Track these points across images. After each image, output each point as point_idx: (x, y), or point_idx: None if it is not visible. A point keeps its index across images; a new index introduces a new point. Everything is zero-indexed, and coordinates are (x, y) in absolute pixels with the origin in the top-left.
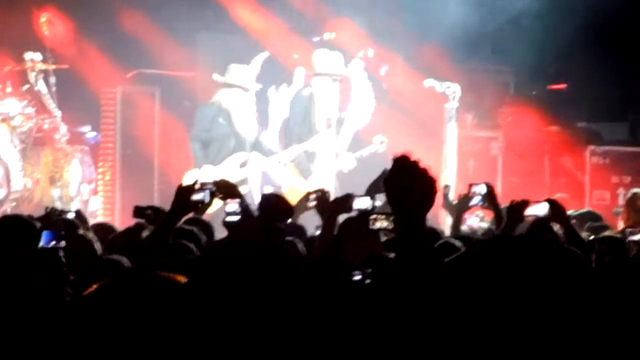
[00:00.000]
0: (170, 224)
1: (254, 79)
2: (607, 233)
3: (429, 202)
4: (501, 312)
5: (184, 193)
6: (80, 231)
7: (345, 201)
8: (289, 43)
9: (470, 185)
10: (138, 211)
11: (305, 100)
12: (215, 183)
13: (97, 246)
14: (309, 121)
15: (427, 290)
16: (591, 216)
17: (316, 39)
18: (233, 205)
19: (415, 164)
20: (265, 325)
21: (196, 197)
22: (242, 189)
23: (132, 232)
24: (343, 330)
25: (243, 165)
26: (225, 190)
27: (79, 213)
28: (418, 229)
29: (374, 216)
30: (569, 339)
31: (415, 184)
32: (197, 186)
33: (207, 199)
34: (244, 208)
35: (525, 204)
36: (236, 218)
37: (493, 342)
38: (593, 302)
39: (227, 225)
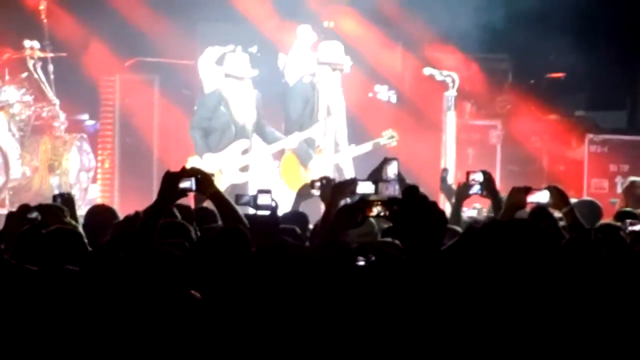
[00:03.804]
0: (158, 212)
1: (249, 65)
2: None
3: (441, 234)
4: (501, 298)
5: (170, 180)
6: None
7: (348, 185)
8: (288, 31)
9: (468, 173)
10: None
11: (306, 88)
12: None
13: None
14: (309, 108)
15: (428, 279)
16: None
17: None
18: (265, 198)
19: (425, 197)
20: (267, 314)
21: (183, 184)
22: (243, 177)
23: (132, 221)
24: (346, 316)
25: (245, 152)
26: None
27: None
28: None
29: (370, 203)
30: (565, 327)
31: (427, 217)
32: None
33: (193, 187)
34: (275, 202)
35: (527, 190)
36: (267, 212)
37: (491, 328)
38: (592, 290)
39: (251, 219)
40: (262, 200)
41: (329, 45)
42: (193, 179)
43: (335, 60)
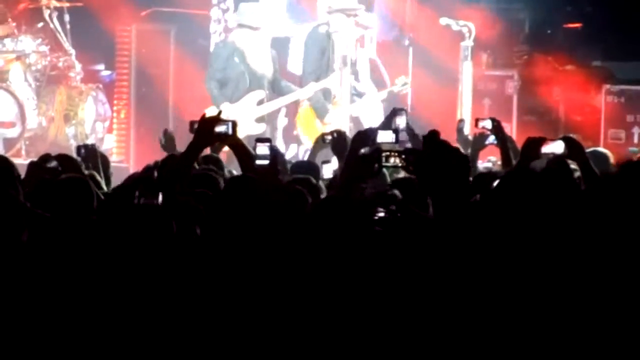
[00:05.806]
0: (193, 155)
1: (267, 17)
2: None
3: (465, 181)
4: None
5: (207, 124)
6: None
7: (368, 135)
8: None
9: (477, 120)
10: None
11: (321, 37)
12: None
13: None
14: (325, 59)
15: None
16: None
17: None
18: (263, 148)
19: (446, 142)
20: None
21: (219, 128)
22: (259, 128)
23: (152, 170)
24: (365, 273)
25: (260, 103)
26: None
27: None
28: (457, 206)
29: (386, 153)
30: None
31: (449, 163)
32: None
33: (230, 131)
34: (274, 151)
35: (541, 140)
36: (266, 162)
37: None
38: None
39: (257, 169)
40: (260, 150)
41: None
42: (230, 123)
43: (347, 5)
